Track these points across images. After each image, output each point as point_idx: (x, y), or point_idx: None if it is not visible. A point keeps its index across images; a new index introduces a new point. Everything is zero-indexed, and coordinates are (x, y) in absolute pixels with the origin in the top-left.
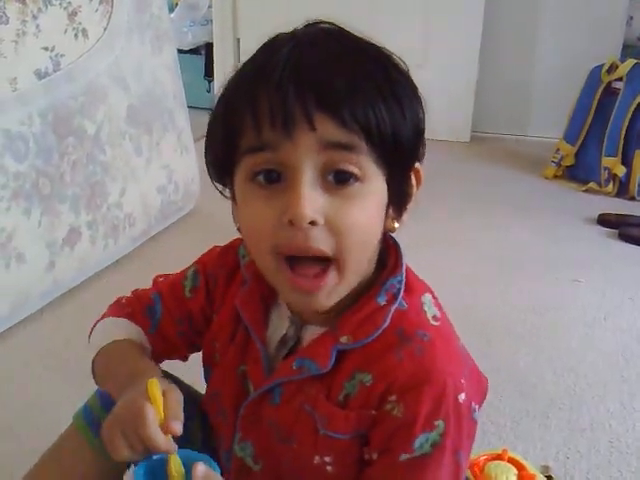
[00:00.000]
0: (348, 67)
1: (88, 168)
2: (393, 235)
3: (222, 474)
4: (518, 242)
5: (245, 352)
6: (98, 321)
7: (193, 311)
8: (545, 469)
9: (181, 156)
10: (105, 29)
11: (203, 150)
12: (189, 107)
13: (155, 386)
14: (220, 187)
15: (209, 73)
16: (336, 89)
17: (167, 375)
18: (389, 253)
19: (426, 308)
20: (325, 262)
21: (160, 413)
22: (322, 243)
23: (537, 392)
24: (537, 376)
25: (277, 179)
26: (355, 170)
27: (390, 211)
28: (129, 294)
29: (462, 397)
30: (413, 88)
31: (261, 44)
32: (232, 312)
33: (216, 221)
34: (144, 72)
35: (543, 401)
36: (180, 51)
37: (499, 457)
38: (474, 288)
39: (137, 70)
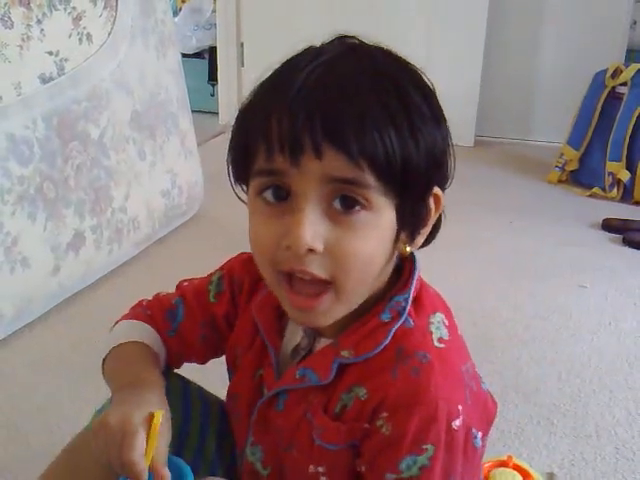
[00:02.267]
0: (361, 95)
1: (92, 172)
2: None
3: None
4: (522, 247)
5: (262, 357)
6: (117, 322)
7: (217, 316)
8: (550, 476)
9: (185, 160)
10: (109, 34)
11: (205, 155)
12: (193, 111)
13: (159, 421)
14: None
15: (213, 77)
16: (346, 120)
17: (181, 378)
18: (404, 268)
19: (433, 328)
20: (323, 283)
21: (149, 447)
22: (319, 269)
23: (541, 398)
24: (541, 382)
25: (285, 197)
26: (361, 199)
27: (402, 236)
28: (151, 297)
29: (457, 424)
30: (434, 110)
31: (285, 58)
32: (253, 318)
33: (220, 225)
34: (148, 76)
35: (548, 407)
36: (184, 55)
37: (504, 464)
38: (478, 292)
39: (141, 74)
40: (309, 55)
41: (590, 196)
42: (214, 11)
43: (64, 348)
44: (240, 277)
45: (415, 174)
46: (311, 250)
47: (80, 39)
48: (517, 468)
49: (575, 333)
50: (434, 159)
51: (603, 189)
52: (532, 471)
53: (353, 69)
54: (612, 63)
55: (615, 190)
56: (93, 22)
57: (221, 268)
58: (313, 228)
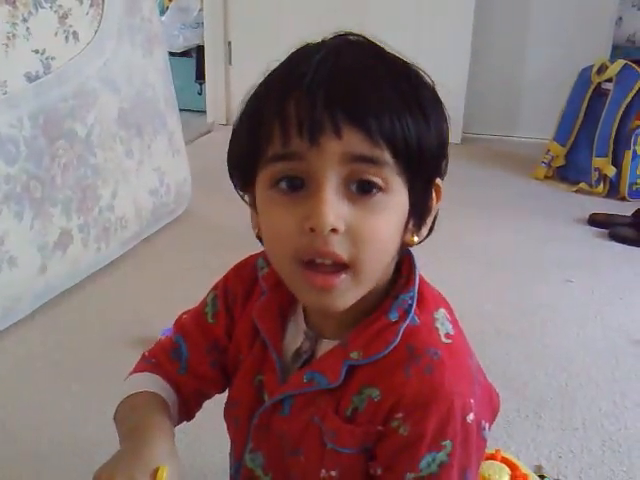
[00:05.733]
0: (376, 77)
1: (79, 171)
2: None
3: None
4: (509, 242)
5: (262, 362)
6: (125, 378)
7: (218, 337)
8: (538, 469)
9: (173, 158)
10: (96, 32)
11: (193, 153)
12: (180, 110)
13: (162, 477)
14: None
15: (200, 76)
16: (364, 99)
17: None
18: (403, 265)
19: (438, 325)
20: (342, 266)
21: None
22: (340, 249)
23: (529, 392)
24: (529, 376)
25: (300, 186)
26: (378, 181)
27: (410, 224)
28: (153, 345)
29: (470, 417)
30: (437, 101)
31: (291, 51)
32: (251, 323)
33: (208, 223)
34: (135, 75)
35: (535, 401)
36: (171, 54)
37: (492, 457)
38: (465, 288)
39: (128, 73)
40: (314, 46)
41: (576, 192)
42: (201, 10)
43: (51, 347)
44: (233, 287)
45: (428, 153)
46: (333, 230)
47: (66, 37)
48: (505, 461)
49: (562, 327)
50: (443, 141)
51: (589, 185)
52: (520, 464)
53: (361, 54)
54: (598, 59)
55: (601, 185)
56: (79, 20)
57: (214, 287)
58: (335, 208)
